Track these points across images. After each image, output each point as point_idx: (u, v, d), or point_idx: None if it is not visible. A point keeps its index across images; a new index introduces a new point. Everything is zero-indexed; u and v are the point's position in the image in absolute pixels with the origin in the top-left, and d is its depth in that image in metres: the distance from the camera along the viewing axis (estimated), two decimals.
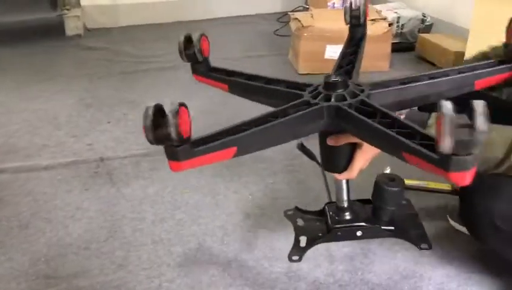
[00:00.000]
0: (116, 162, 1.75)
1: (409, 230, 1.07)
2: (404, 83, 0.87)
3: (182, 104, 0.67)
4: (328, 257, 1.27)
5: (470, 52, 2.18)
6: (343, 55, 1.03)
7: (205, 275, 1.21)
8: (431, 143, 0.63)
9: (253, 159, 1.72)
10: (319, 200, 1.21)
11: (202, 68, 1.04)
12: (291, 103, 0.82)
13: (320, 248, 1.29)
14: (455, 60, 2.45)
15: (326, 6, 3.25)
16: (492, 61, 0.90)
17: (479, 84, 0.88)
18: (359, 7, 1.00)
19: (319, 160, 0.98)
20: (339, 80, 0.82)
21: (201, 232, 1.37)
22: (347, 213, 1.06)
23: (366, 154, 0.89)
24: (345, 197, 1.04)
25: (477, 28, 2.12)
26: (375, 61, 2.59)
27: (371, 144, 0.79)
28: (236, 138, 0.75)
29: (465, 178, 0.60)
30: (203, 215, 1.44)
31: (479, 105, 0.54)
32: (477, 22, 2.13)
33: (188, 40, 0.95)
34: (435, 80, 0.86)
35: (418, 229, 1.07)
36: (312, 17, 2.64)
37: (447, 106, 0.55)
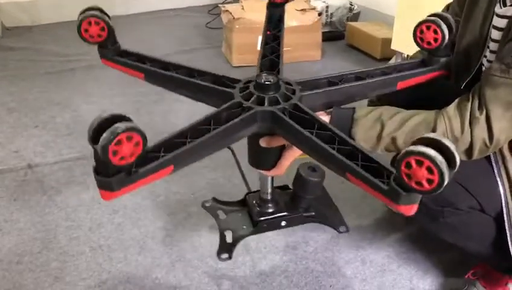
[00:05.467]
0: (46, 168, 1.65)
1: (327, 214, 1.11)
2: (332, 84, 0.89)
3: (130, 129, 0.58)
4: (272, 248, 1.27)
5: (396, 38, 2.27)
6: (265, 41, 1.02)
7: (148, 279, 1.18)
8: (373, 165, 0.65)
9: None
10: None
11: (109, 51, 0.93)
12: (223, 106, 0.79)
13: (264, 240, 1.30)
14: (382, 46, 2.54)
15: None
16: (414, 61, 0.95)
17: (401, 84, 0.92)
18: None
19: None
20: (271, 81, 0.81)
21: (142, 235, 1.33)
22: (270, 205, 1.06)
23: (295, 153, 0.90)
24: (269, 189, 1.05)
25: (402, 15, 2.21)
26: (307, 51, 2.63)
27: (310, 155, 0.77)
28: (174, 155, 0.70)
29: (412, 210, 0.63)
30: (143, 217, 1.40)
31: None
32: (401, 9, 2.21)
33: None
34: (361, 82, 0.89)
35: (335, 213, 1.11)
36: (243, 8, 2.62)
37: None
